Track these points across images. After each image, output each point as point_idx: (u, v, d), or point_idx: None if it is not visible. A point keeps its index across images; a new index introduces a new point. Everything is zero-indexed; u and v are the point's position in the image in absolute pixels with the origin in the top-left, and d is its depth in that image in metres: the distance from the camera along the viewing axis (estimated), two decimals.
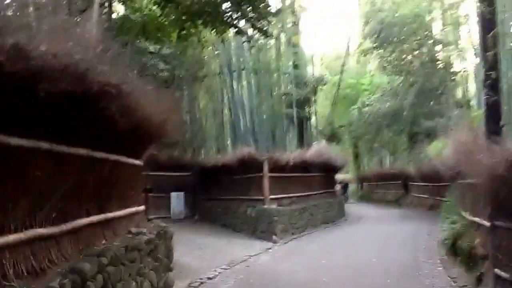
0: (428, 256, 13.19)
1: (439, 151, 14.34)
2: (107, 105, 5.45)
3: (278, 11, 11.96)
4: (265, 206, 17.71)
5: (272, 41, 27.81)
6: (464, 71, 31.03)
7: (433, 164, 22.19)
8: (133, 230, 8.19)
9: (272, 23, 13.41)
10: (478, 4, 8.34)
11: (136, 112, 6.52)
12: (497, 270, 7.96)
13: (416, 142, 28.29)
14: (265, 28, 12.34)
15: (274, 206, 17.80)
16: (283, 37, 27.57)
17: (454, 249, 11.72)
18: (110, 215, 7.34)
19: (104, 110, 5.49)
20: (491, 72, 7.96)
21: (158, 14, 12.55)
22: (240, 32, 12.35)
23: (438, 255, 13.11)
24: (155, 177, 18.85)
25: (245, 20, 12.06)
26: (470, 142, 8.58)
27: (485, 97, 8.20)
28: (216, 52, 26.21)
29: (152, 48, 17.35)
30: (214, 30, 12.51)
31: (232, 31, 13.65)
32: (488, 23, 8.29)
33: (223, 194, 20.31)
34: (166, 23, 12.52)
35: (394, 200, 34.48)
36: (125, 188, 8.20)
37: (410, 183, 32.23)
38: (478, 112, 12.06)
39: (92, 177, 6.54)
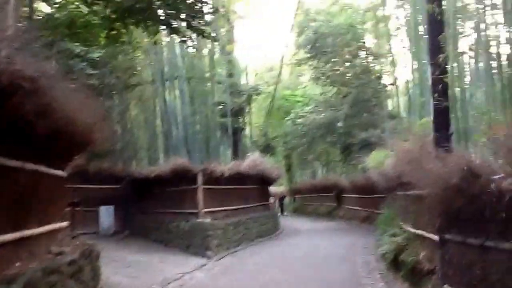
0: (367, 271, 12.86)
1: (380, 162, 14.12)
2: (20, 102, 4.54)
3: (215, 10, 11.27)
4: (199, 220, 16.93)
5: (206, 50, 27.21)
6: (394, 83, 31.78)
7: (367, 176, 22.36)
8: (54, 249, 7.23)
9: (209, 23, 12.73)
10: (427, 5, 8.04)
11: (58, 114, 5.63)
12: (446, 287, 7.63)
13: (350, 153, 28.42)
14: (201, 28, 11.63)
15: (208, 219, 17.05)
16: (217, 45, 26.96)
17: (396, 263, 11.42)
18: (26, 233, 6.39)
19: (16, 108, 4.58)
20: (441, 76, 7.69)
21: (86, 12, 11.55)
22: (174, 31, 11.53)
23: (378, 270, 12.81)
24: (82, 189, 17.99)
25: (180, 20, 11.28)
26: (417, 151, 8.27)
27: (434, 103, 7.92)
28: (148, 60, 25.24)
29: (79, 50, 16.20)
30: (147, 30, 11.64)
31: (165, 32, 12.88)
32: (437, 25, 8.05)
33: (155, 207, 19.33)
34: (94, 21, 11.53)
35: (327, 212, 34.56)
36: (46, 202, 7.25)
37: (343, 195, 32.39)
38: (424, 120, 11.95)
39: (4, 189, 5.59)
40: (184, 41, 12.22)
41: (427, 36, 8.36)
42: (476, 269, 6.55)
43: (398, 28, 32.14)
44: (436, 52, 8.02)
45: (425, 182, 7.65)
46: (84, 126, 7.07)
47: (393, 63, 29.67)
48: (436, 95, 7.75)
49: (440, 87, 7.86)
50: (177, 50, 25.08)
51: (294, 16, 30.61)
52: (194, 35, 12.58)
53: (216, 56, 28.03)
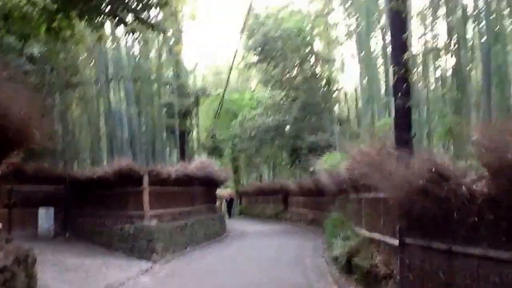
0: (319, 275, 12.60)
1: (334, 164, 13.98)
2: None
3: (166, 2, 10.63)
4: (145, 223, 16.24)
5: (153, 50, 26.46)
6: (342, 88, 32.13)
7: (315, 179, 22.36)
8: None
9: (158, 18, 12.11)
10: (390, 2, 7.83)
11: None
12: None
13: (298, 156, 28.33)
14: (150, 22, 10.94)
15: (154, 222, 16.40)
16: (165, 46, 26.27)
17: (349, 267, 11.20)
18: None
19: None
20: (404, 76, 7.48)
21: (23, 2, 10.63)
22: (121, 22, 10.76)
23: (330, 273, 12.57)
24: (20, 190, 17.03)
25: (127, 10, 10.55)
26: (377, 152, 8.05)
27: (395, 103, 7.70)
28: (92, 58, 24.21)
29: (16, 44, 15.19)
30: (91, 22, 10.83)
31: (111, 27, 12.11)
32: (400, 23, 7.85)
33: (98, 209, 18.41)
34: (33, 13, 10.63)
35: (274, 214, 34.44)
36: None
37: (290, 198, 32.36)
38: (385, 120, 11.84)
39: None
40: (132, 33, 11.45)
41: (389, 35, 8.17)
42: (441, 274, 6.35)
43: (347, 34, 32.54)
44: (399, 50, 7.82)
45: (386, 185, 7.42)
46: (18, 122, 6.41)
47: (341, 68, 29.91)
48: (399, 94, 7.53)
49: (403, 86, 7.65)
50: (123, 49, 24.24)
51: (244, 19, 30.21)
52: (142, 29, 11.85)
53: (164, 57, 27.31)
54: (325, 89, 29.92)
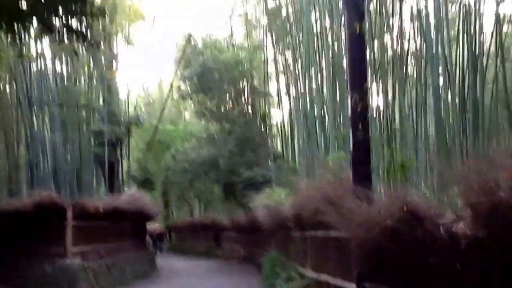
0: None
1: (278, 200, 13.25)
2: None
3: (103, 11, 9.67)
4: (67, 261, 14.72)
5: (83, 74, 25.04)
6: (279, 123, 31.98)
7: (250, 215, 21.59)
8: None
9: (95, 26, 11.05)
10: (350, 25, 7.28)
11: None
12: None
13: (233, 192, 27.47)
14: (81, 31, 9.87)
15: (78, 261, 14.92)
16: (96, 68, 24.94)
17: None
18: None
19: None
20: (363, 106, 6.90)
21: None
22: (47, 29, 9.60)
23: None
24: None
25: (55, 16, 9.44)
26: (333, 188, 7.36)
27: (353, 136, 7.08)
28: (12, 79, 22.44)
29: None
30: (11, 33, 9.63)
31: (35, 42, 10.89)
32: (359, 50, 7.31)
33: (12, 246, 16.56)
34: None
35: (205, 251, 33.25)
36: None
37: (223, 233, 31.35)
38: (341, 154, 11.30)
39: None
40: (61, 41, 10.27)
41: (347, 61, 7.65)
42: None
43: (283, 69, 32.71)
44: (356, 77, 7.25)
45: (345, 223, 6.71)
46: None
47: (279, 103, 29.78)
48: (360, 125, 6.93)
49: (360, 116, 7.05)
50: (50, 71, 22.70)
51: (181, 48, 29.52)
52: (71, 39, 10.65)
53: (95, 81, 25.93)
54: (261, 123, 29.60)
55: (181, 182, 30.41)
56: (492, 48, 21.67)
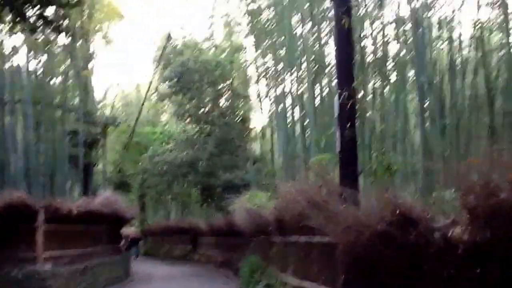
0: None
1: (260, 203, 12.87)
2: None
3: (78, 1, 9.18)
4: (38, 267, 14.07)
5: (59, 72, 24.34)
6: (259, 126, 31.70)
7: (229, 219, 21.15)
8: None
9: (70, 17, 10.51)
10: (339, 20, 6.97)
11: None
12: None
13: (211, 194, 27.01)
14: (56, 22, 9.36)
15: (49, 266, 14.29)
16: (72, 66, 24.25)
17: None
18: None
19: None
20: (351, 103, 6.58)
21: None
22: (20, 16, 9.06)
23: None
24: None
25: (30, 6, 8.93)
26: (319, 190, 7.02)
27: (341, 135, 6.76)
28: None
29: None
30: None
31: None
32: (347, 47, 7.00)
33: None
34: None
35: (182, 255, 32.65)
36: None
37: (201, 237, 30.80)
38: (325, 155, 10.96)
39: None
40: (34, 30, 9.72)
41: (335, 58, 7.34)
42: None
43: (263, 72, 32.46)
44: (344, 75, 6.94)
45: (331, 227, 6.37)
46: None
47: (259, 105, 29.54)
48: (339, 127, 6.61)
49: (348, 116, 6.73)
50: (23, 68, 21.98)
51: (160, 47, 28.99)
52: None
53: (71, 80, 25.23)
54: (240, 126, 29.25)
55: (158, 184, 29.83)
56: (472, 54, 21.80)
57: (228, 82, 28.58)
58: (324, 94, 23.44)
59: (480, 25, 21.56)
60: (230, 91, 28.88)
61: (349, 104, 6.70)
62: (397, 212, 5.03)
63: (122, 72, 66.54)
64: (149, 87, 33.16)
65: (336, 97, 6.98)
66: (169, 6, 57.24)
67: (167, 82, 27.52)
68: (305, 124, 23.80)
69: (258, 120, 34.31)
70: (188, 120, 29.03)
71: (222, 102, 29.37)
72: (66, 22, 9.76)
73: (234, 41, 34.24)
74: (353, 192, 6.40)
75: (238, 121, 29.22)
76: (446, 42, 21.93)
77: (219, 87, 28.36)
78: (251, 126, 30.45)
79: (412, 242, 4.86)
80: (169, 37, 27.53)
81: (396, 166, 8.21)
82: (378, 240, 5.21)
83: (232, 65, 28.97)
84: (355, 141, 6.90)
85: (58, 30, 9.64)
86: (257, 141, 31.58)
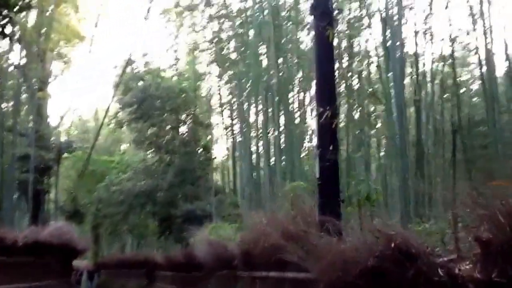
0: None
1: (225, 235, 12.04)
2: None
3: (29, 5, 8.34)
4: None
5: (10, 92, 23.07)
6: (216, 157, 31.09)
7: (188, 251, 20.12)
8: None
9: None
10: (315, 28, 6.43)
11: None
12: None
13: (171, 226, 25.82)
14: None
15: None
16: (26, 88, 23.05)
17: None
18: None
19: None
20: (332, 123, 5.95)
21: None
22: None
23: None
24: None
25: None
26: (294, 221, 6.33)
27: (318, 159, 6.11)
28: None
29: None
30: None
31: None
32: (327, 56, 6.43)
33: None
34: None
35: None
36: None
37: (157, 271, 29.41)
38: (299, 183, 10.28)
39: None
40: None
41: (315, 74, 6.76)
42: None
43: (227, 101, 32.01)
44: (325, 92, 6.35)
45: (311, 262, 5.68)
46: None
47: (222, 134, 29.00)
48: (318, 149, 5.97)
49: (329, 138, 6.11)
50: None
51: (121, 72, 28.06)
52: None
53: (24, 102, 23.97)
54: (202, 155, 28.44)
55: (114, 215, 28.36)
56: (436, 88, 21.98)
57: (190, 110, 27.80)
58: (288, 123, 23.18)
59: (442, 61, 21.86)
60: (192, 120, 28.10)
61: (331, 124, 6.08)
62: (392, 245, 4.37)
63: (80, 97, 64.30)
64: (106, 113, 32.00)
65: (314, 117, 6.35)
66: (131, 30, 56.24)
67: (127, 108, 26.49)
68: (270, 153, 23.38)
69: (221, 150, 33.68)
70: (147, 148, 27.94)
71: (184, 130, 28.56)
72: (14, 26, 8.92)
73: (198, 69, 33.75)
74: (335, 223, 5.74)
75: (199, 150, 28.40)
76: (410, 77, 22.15)
77: (181, 115, 27.57)
78: (213, 156, 29.69)
79: (410, 280, 4.21)
80: (129, 61, 26.64)
81: (377, 195, 7.59)
82: (369, 278, 4.54)
83: (195, 93, 28.32)
84: (336, 166, 6.27)
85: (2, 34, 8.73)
86: (219, 171, 30.82)
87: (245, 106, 28.05)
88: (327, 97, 6.34)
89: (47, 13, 21.07)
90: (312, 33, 7.26)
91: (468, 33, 21.85)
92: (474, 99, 26.09)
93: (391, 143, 16.83)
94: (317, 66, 6.66)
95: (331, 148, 6.09)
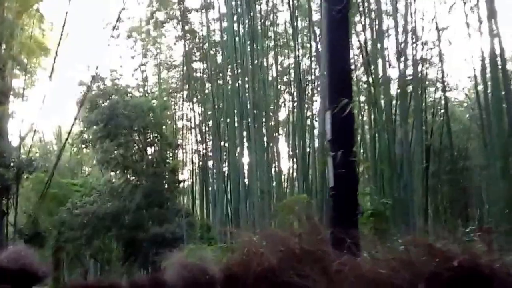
0: None
1: (207, 257, 11.08)
2: None
3: None
4: None
5: None
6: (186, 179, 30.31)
7: (156, 277, 18.99)
8: None
9: None
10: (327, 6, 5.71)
11: None
12: None
13: (137, 250, 24.47)
14: None
15: None
16: None
17: None
18: None
19: None
20: (348, 116, 5.15)
21: None
22: None
23: None
24: None
25: None
26: (300, 238, 5.50)
27: (331, 161, 5.30)
28: None
29: None
30: None
31: None
32: (341, 35, 5.66)
33: None
34: None
35: None
36: None
37: None
38: (301, 196, 9.42)
39: None
40: None
41: (326, 64, 6.00)
42: None
43: (196, 123, 31.42)
44: (340, 83, 5.54)
45: (329, 284, 4.84)
46: None
47: (192, 156, 28.27)
48: (340, 152, 5.14)
49: (344, 134, 5.28)
50: None
51: (86, 89, 26.86)
52: None
53: None
54: (171, 177, 27.42)
55: (77, 238, 26.80)
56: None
57: (159, 130, 26.80)
58: (257, 148, 22.78)
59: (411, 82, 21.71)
60: (160, 140, 27.09)
61: (347, 120, 5.27)
62: (454, 263, 3.54)
63: (43, 116, 61.72)
64: (69, 132, 30.61)
65: (327, 111, 5.53)
66: (98, 47, 54.62)
67: (93, 126, 25.25)
68: (239, 175, 22.88)
69: (189, 171, 32.83)
70: (114, 168, 26.68)
71: (152, 151, 27.54)
72: None
73: (167, 88, 32.99)
74: (353, 240, 4.91)
75: (167, 172, 27.36)
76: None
77: (150, 134, 26.55)
78: (181, 178, 28.81)
79: None
80: (96, 78, 25.47)
81: (383, 211, 6.85)
82: None
83: (164, 112, 27.42)
84: (355, 172, 5.43)
85: None
86: (188, 193, 29.92)
87: (215, 126, 27.49)
88: (341, 88, 5.54)
89: (8, 22, 19.94)
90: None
91: None
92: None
93: None
94: (330, 52, 5.85)
95: (346, 150, 5.25)
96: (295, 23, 26.28)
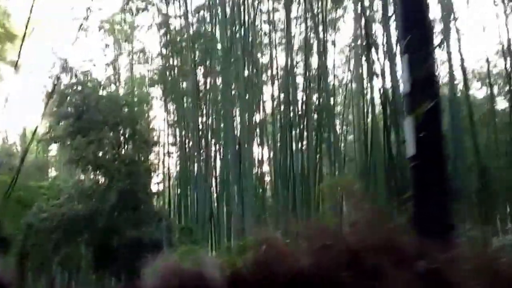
0: None
1: (205, 260, 9.54)
2: None
3: None
4: None
5: None
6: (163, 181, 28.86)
7: (138, 285, 17.34)
8: None
9: None
10: None
11: None
12: None
13: (111, 256, 22.54)
14: None
15: None
16: None
17: None
18: None
19: None
20: (430, 74, 3.73)
21: None
22: None
23: None
24: None
25: None
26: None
27: (411, 125, 3.84)
28: None
29: None
30: None
31: None
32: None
33: None
34: None
35: None
36: None
37: None
38: (338, 179, 7.94)
39: None
40: None
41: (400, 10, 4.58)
42: None
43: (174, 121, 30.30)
44: (417, 33, 4.11)
45: None
46: None
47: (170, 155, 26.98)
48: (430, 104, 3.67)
49: (427, 96, 3.81)
50: None
51: (54, 81, 24.83)
52: None
53: None
54: (147, 177, 25.69)
55: (44, 244, 24.66)
56: None
57: (134, 126, 24.99)
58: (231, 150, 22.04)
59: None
60: (135, 137, 25.28)
61: (428, 75, 3.81)
62: None
63: (7, 115, 58.26)
64: (35, 131, 28.36)
65: (405, 64, 4.06)
66: (69, 38, 51.27)
67: (62, 122, 23.22)
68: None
69: (166, 171, 31.35)
70: (84, 168, 24.68)
71: (126, 149, 25.73)
72: None
73: (141, 83, 31.54)
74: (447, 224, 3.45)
75: (143, 171, 25.59)
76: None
77: (124, 131, 24.73)
78: (158, 179, 27.20)
79: None
80: (66, 68, 23.39)
81: None
82: None
83: (139, 107, 25.72)
84: (441, 135, 3.95)
85: None
86: (165, 195, 28.39)
87: (192, 124, 26.38)
88: (417, 40, 4.07)
89: None
90: None
91: None
92: None
93: None
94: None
95: (430, 106, 3.75)
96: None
